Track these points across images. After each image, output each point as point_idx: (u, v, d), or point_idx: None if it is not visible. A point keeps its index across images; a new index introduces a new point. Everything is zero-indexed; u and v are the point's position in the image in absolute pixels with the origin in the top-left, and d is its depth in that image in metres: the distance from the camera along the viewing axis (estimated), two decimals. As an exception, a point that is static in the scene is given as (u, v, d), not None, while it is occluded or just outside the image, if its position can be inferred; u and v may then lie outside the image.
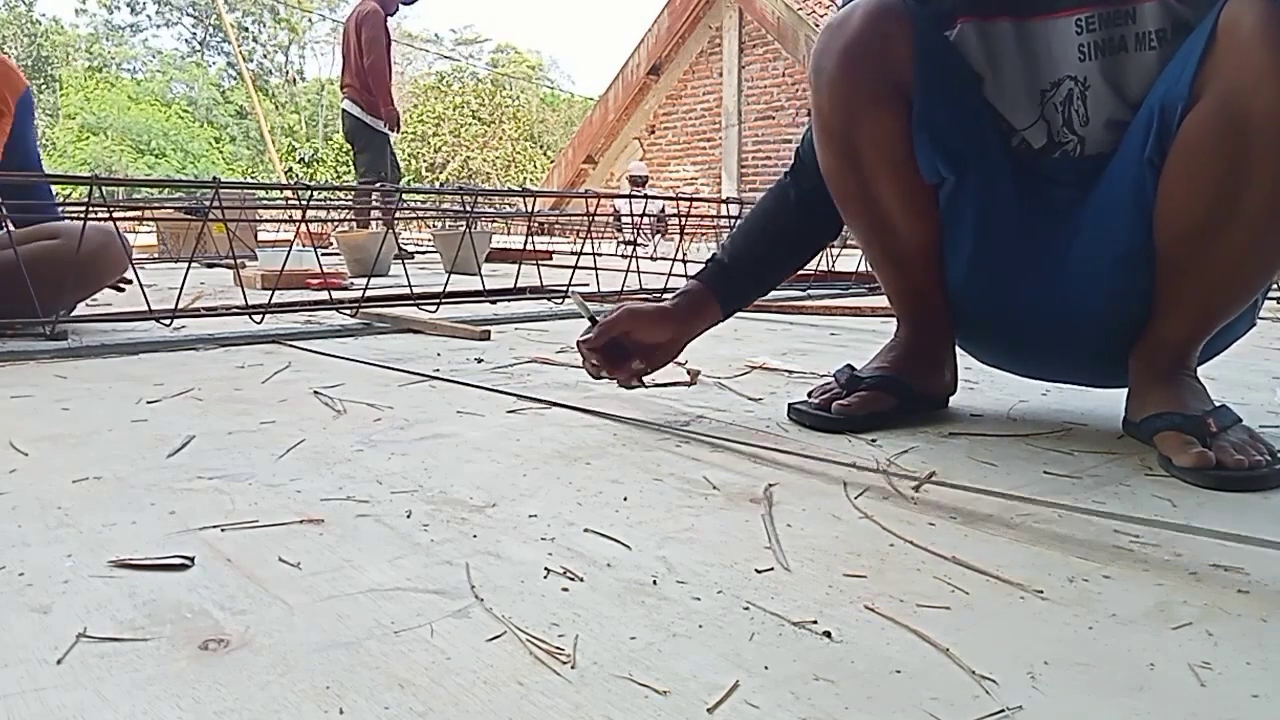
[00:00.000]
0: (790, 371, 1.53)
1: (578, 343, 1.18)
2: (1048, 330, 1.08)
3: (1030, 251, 1.06)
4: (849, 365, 1.18)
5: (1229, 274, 0.95)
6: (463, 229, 3.63)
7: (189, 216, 3.89)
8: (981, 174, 1.07)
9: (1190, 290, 0.97)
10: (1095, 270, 1.02)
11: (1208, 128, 0.89)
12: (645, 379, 1.21)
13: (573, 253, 3.94)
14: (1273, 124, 0.84)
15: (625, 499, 0.83)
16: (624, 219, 6.60)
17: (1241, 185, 0.88)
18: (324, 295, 2.44)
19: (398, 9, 5.52)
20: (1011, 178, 1.07)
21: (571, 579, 0.65)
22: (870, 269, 1.24)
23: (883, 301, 1.24)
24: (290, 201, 3.47)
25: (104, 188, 1.92)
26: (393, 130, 5.46)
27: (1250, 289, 0.98)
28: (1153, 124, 0.94)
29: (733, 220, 3.13)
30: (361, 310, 2.19)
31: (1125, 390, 1.07)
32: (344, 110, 5.43)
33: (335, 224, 4.88)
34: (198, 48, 29.76)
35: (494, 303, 2.54)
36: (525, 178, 20.94)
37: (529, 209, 3.11)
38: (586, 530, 0.75)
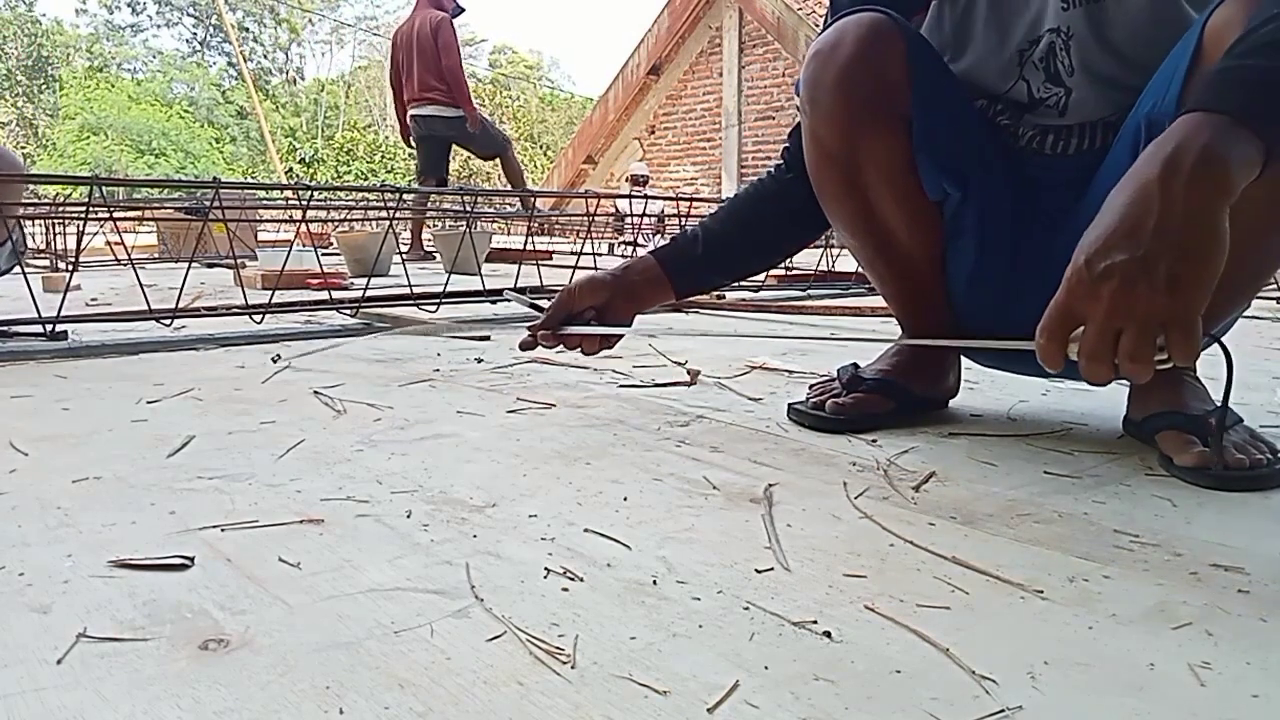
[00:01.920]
0: (790, 371, 1.53)
1: (531, 329, 1.11)
2: None
3: (1029, 261, 1.06)
4: (854, 364, 1.18)
5: (1221, 283, 0.94)
6: (463, 229, 3.63)
7: (189, 216, 3.89)
8: (983, 186, 1.07)
9: None
10: None
11: None
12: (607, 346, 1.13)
13: (573, 253, 3.93)
14: None
15: (625, 499, 0.83)
16: (624, 219, 6.61)
17: None
18: (324, 295, 2.44)
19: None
20: (1008, 187, 1.07)
21: (571, 579, 0.65)
22: (871, 282, 1.23)
23: (883, 301, 1.24)
24: (290, 201, 3.47)
25: (104, 188, 1.91)
26: (474, 130, 5.57)
27: (1244, 294, 0.98)
28: (1140, 137, 0.93)
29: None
30: (361, 310, 2.19)
31: (1125, 390, 1.07)
32: (431, 116, 5.41)
33: (336, 224, 4.88)
34: (198, 48, 29.76)
35: (494, 303, 2.54)
36: (525, 178, 20.92)
37: (529, 209, 3.11)
38: (586, 530, 0.75)
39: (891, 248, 1.12)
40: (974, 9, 1.07)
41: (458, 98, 5.40)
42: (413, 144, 5.63)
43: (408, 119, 5.49)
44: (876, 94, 1.03)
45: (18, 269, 1.85)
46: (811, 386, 1.19)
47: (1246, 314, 1.07)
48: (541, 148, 24.05)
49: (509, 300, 1.15)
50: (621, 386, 1.38)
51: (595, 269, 2.88)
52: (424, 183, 5.43)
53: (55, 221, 4.20)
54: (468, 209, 3.09)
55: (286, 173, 17.57)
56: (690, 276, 1.18)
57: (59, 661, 0.53)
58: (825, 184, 1.11)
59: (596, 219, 2.89)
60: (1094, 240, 0.69)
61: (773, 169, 1.21)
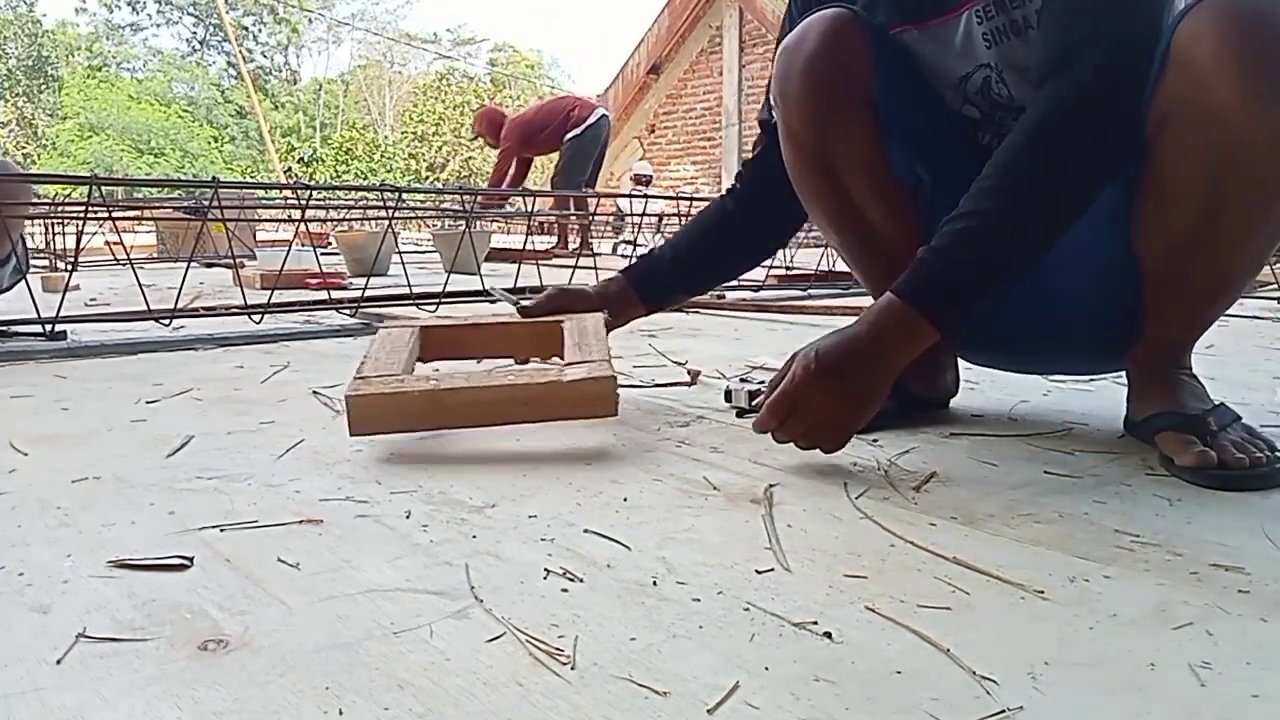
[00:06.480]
0: (790, 371, 1.52)
1: (521, 310, 1.27)
2: (1036, 331, 1.08)
3: None
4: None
5: (1214, 281, 0.96)
6: (462, 229, 3.62)
7: (188, 216, 3.89)
8: (952, 171, 1.07)
9: (1178, 297, 0.97)
10: (1079, 278, 1.02)
11: (1182, 151, 0.89)
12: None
13: (573, 253, 3.93)
14: (1245, 145, 0.85)
15: (625, 499, 0.83)
16: (625, 219, 6.63)
17: (1219, 204, 0.89)
18: (323, 295, 2.44)
19: None
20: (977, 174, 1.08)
21: (571, 579, 0.65)
22: (856, 276, 1.25)
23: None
24: (289, 201, 3.47)
25: (103, 187, 1.91)
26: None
27: (1238, 290, 0.99)
28: None
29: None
30: (361, 310, 2.19)
31: (1125, 389, 1.07)
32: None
33: (335, 224, 4.87)
34: (198, 47, 29.70)
35: (493, 302, 2.54)
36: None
37: (529, 209, 3.11)
38: (586, 530, 0.75)
39: (871, 238, 1.13)
40: (915, 43, 1.07)
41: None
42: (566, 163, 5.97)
43: (590, 124, 5.93)
44: (842, 79, 1.05)
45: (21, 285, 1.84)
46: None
47: (1246, 314, 1.07)
48: (541, 147, 24.02)
49: (495, 299, 1.30)
50: (621, 386, 1.38)
51: (595, 269, 2.88)
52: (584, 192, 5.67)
53: (54, 221, 4.20)
54: (467, 209, 3.09)
55: (285, 172, 17.57)
56: (656, 291, 1.31)
57: (59, 661, 0.52)
58: (801, 177, 1.12)
59: (595, 218, 2.89)
60: (824, 354, 0.92)
61: (729, 189, 1.28)
